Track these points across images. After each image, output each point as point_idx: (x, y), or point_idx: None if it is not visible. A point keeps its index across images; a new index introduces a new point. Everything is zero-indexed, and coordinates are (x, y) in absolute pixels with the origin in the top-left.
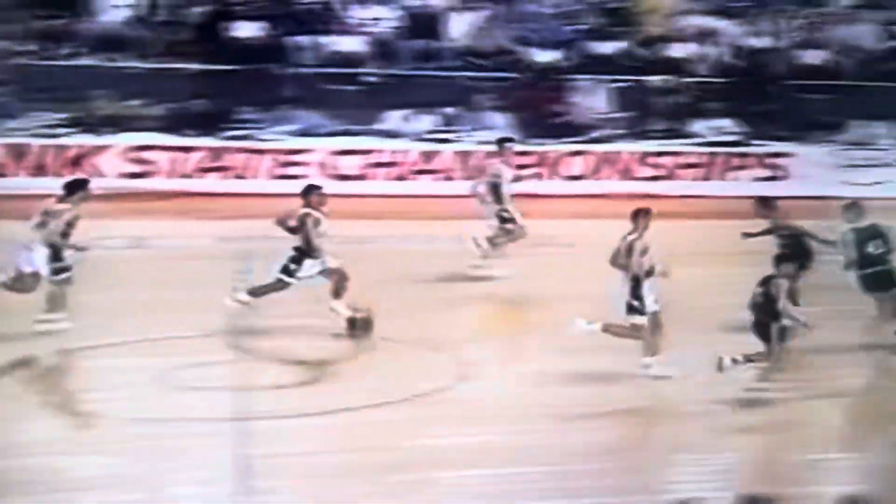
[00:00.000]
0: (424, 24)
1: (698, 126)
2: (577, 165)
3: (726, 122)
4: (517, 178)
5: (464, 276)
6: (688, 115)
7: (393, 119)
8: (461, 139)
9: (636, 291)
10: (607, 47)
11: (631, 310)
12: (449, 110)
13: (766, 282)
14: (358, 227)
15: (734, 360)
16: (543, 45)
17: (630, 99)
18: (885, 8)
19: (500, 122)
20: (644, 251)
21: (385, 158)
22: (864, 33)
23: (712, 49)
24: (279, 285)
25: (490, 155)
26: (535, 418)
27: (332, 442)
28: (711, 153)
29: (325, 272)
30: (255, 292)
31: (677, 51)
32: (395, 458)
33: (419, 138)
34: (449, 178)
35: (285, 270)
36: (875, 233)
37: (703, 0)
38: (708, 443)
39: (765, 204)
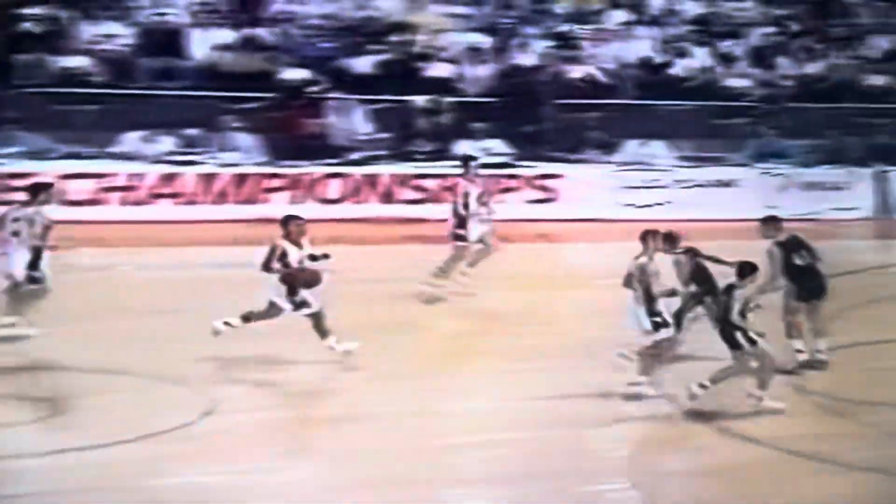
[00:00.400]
0: (163, 42)
1: (465, 147)
2: (334, 188)
3: (494, 143)
4: (484, 197)
5: (210, 306)
6: (453, 136)
7: (129, 141)
8: (205, 161)
9: (653, 308)
10: (367, 66)
11: (657, 326)
12: (191, 131)
13: (726, 291)
14: (90, 255)
15: (702, 386)
16: (296, 63)
17: (392, 119)
18: (662, 24)
19: (248, 144)
20: (657, 273)
21: (120, 182)
22: (640, 50)
23: (479, 68)
24: (319, 317)
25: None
26: (282, 454)
27: (64, 482)
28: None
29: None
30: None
31: (442, 70)
32: (130, 500)
33: (158, 161)
34: (192, 203)
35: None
36: (798, 244)
37: (469, 18)
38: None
39: (669, 239)
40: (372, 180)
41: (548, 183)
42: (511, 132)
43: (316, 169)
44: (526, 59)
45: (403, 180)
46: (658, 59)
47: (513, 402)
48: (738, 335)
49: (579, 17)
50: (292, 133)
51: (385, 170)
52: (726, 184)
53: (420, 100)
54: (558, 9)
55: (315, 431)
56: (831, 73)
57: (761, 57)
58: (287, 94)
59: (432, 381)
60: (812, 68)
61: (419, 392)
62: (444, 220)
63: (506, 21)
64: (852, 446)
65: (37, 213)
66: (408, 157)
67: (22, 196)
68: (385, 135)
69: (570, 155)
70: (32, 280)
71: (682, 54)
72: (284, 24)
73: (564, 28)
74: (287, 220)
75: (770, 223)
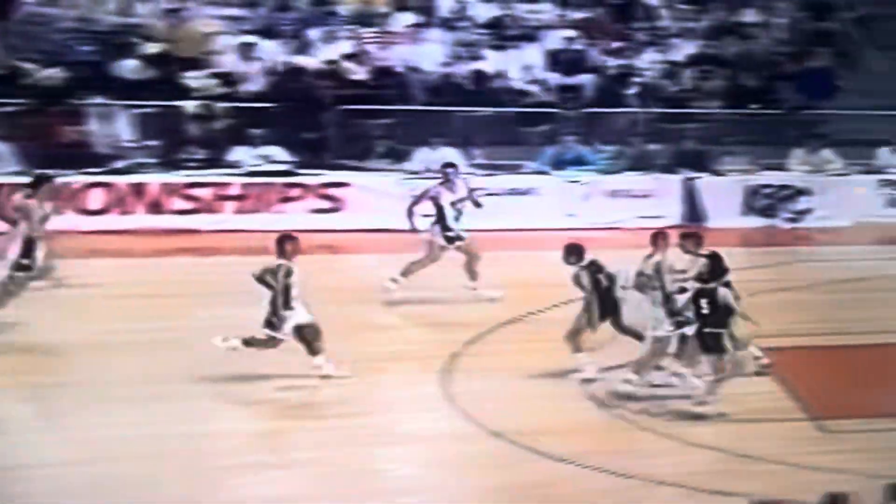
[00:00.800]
0: None
1: (242, 154)
2: (96, 198)
3: (274, 150)
4: (461, 200)
5: None
6: (229, 143)
7: None
8: None
9: (671, 308)
10: (133, 69)
11: (679, 325)
12: None
13: (704, 294)
14: None
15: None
16: (53, 64)
17: (161, 125)
18: (454, 27)
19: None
20: (671, 269)
21: None
22: (430, 54)
23: (257, 71)
24: (270, 343)
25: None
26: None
27: None
28: (257, 183)
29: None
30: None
31: (217, 73)
32: None
33: None
34: None
35: (269, 325)
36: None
37: (243, 20)
38: None
39: (574, 250)
40: (138, 189)
41: (333, 192)
42: (292, 138)
43: (76, 178)
44: (307, 62)
45: (173, 189)
46: (450, 63)
47: (300, 421)
48: (726, 338)
49: (364, 18)
50: (49, 140)
51: (153, 178)
52: (523, 192)
53: (190, 105)
54: (342, 10)
55: (83, 456)
56: (634, 78)
57: (559, 61)
58: (43, 99)
59: (213, 401)
60: (614, 73)
61: (197, 413)
62: (219, 231)
63: (285, 23)
64: (659, 462)
65: (37, 205)
66: (178, 166)
67: None
68: (153, 142)
69: (356, 162)
70: (20, 267)
71: (475, 58)
72: (38, 26)
73: (348, 30)
74: (284, 240)
75: (690, 238)
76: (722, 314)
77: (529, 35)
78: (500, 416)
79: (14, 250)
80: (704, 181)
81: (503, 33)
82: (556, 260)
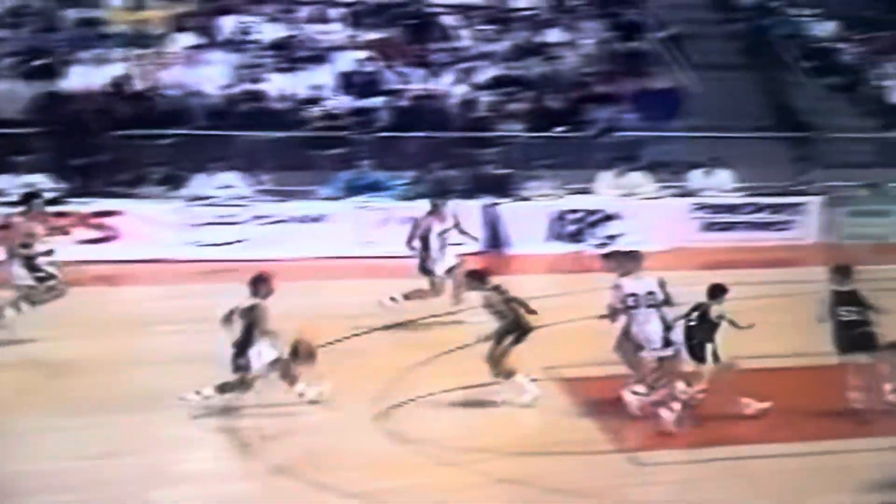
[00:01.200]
0: None
1: (4, 183)
2: None
3: (39, 178)
4: (446, 231)
5: None
6: None
7: None
8: None
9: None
10: None
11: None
12: None
13: (698, 307)
14: None
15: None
16: None
17: None
18: (237, 49)
19: None
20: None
21: None
22: (212, 76)
23: (18, 94)
24: (243, 385)
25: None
26: None
27: None
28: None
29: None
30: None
31: None
32: None
33: None
34: None
35: (238, 367)
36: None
37: (6, 41)
38: None
39: (476, 276)
40: None
41: (105, 221)
42: (59, 165)
43: None
44: (76, 84)
45: None
46: (232, 84)
47: (63, 462)
48: (709, 350)
49: (139, 40)
50: None
51: None
52: (315, 219)
53: None
54: (114, 31)
55: None
56: (433, 100)
57: (352, 83)
58: None
59: None
60: (410, 95)
61: None
62: None
63: (51, 44)
64: (461, 497)
65: (22, 223)
66: None
67: None
68: None
69: (130, 189)
70: (41, 279)
71: (256, 80)
72: None
73: (121, 52)
74: (257, 281)
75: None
76: (707, 327)
77: (319, 56)
78: (284, 451)
79: (20, 272)
80: (507, 207)
81: (291, 55)
82: (350, 289)
